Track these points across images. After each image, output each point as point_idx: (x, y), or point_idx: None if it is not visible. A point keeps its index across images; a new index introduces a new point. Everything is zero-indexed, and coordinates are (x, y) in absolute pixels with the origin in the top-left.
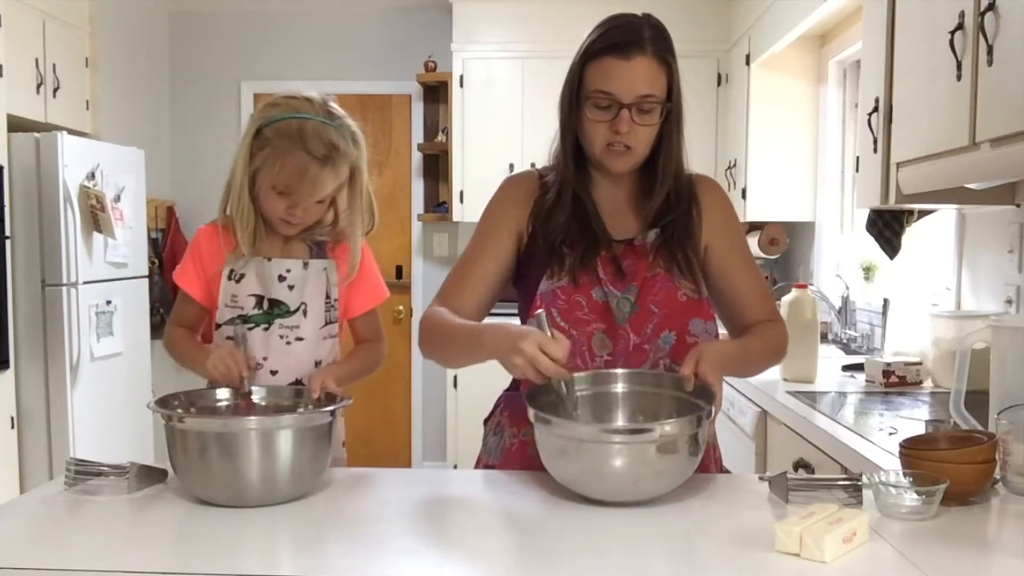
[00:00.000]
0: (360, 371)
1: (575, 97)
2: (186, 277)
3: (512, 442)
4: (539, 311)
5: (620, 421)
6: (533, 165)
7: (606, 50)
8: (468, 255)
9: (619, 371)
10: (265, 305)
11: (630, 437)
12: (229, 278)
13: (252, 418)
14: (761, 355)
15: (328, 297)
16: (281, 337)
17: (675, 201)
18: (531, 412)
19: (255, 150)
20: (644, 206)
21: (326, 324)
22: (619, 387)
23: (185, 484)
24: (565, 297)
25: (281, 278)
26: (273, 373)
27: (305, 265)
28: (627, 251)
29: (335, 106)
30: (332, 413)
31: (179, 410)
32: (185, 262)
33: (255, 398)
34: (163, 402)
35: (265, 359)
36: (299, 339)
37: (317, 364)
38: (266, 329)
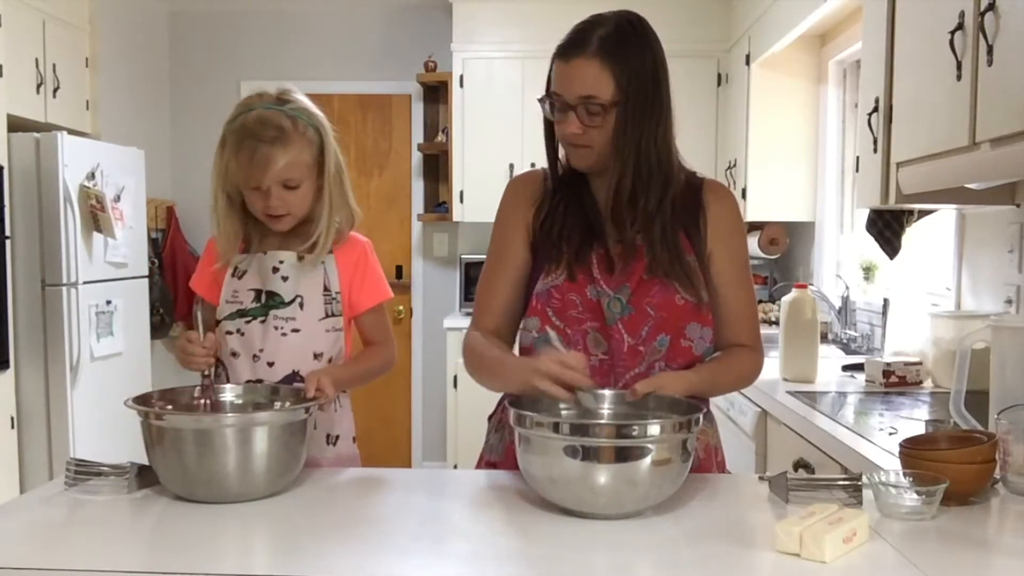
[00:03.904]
0: (368, 372)
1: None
2: (206, 287)
3: (513, 439)
4: (549, 331)
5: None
6: (533, 165)
7: (556, 54)
8: (488, 270)
9: (607, 392)
10: (263, 298)
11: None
12: (232, 275)
13: (228, 415)
14: (728, 386)
15: (327, 290)
16: (276, 328)
17: (678, 204)
18: (517, 434)
19: (223, 155)
20: (637, 205)
21: (327, 316)
22: (605, 409)
23: (162, 480)
24: (559, 296)
25: (275, 269)
26: (270, 365)
27: (300, 258)
28: (624, 251)
29: (294, 96)
30: (307, 410)
31: (156, 407)
32: (201, 271)
33: (229, 396)
34: (142, 400)
35: (262, 351)
36: (295, 331)
37: (317, 356)
38: (263, 322)
